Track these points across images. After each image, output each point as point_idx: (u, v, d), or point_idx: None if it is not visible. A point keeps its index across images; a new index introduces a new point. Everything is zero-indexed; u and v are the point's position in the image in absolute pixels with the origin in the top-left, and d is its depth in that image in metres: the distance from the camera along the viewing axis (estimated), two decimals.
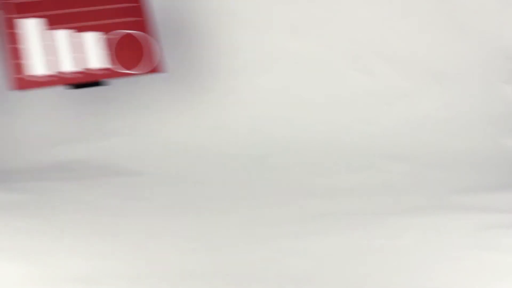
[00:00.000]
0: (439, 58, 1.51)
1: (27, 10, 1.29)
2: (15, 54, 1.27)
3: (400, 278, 0.88)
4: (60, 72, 1.26)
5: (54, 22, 1.29)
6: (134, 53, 1.28)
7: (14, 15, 1.28)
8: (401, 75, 1.43)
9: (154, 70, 1.27)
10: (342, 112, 1.40)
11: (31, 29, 1.29)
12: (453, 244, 1.01)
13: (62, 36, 1.29)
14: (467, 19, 1.51)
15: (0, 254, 0.95)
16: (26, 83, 1.26)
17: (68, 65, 1.27)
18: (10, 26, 1.28)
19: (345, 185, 1.32)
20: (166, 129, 1.45)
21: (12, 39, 1.27)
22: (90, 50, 1.28)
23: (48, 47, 1.27)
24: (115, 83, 1.31)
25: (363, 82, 1.56)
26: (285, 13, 1.58)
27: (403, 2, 1.54)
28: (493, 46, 1.50)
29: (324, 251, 0.97)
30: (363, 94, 1.56)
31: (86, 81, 1.27)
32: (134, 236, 1.03)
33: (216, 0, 1.49)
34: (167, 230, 1.07)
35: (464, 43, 1.51)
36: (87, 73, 1.26)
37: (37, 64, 1.27)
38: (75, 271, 0.89)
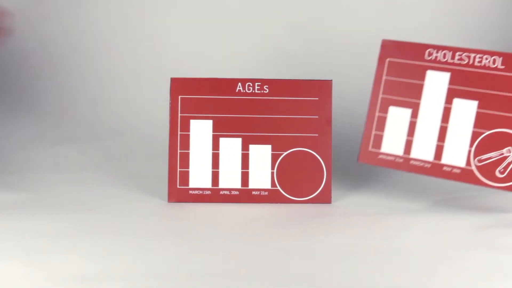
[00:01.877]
0: None
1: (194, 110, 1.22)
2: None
3: (400, 278, 0.88)
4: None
5: (221, 129, 1.21)
6: (300, 173, 1.21)
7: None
8: None
9: (316, 199, 1.21)
10: (342, 112, 1.40)
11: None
12: (453, 244, 1.01)
13: (230, 145, 1.21)
14: (468, 19, 1.51)
15: (0, 254, 0.95)
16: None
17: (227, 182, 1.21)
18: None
19: (346, 185, 1.32)
20: None
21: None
22: (256, 166, 1.21)
23: (214, 157, 1.21)
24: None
25: (364, 82, 1.56)
26: (285, 12, 1.58)
27: (403, 2, 1.55)
28: (494, 46, 1.50)
29: (324, 251, 0.97)
30: (363, 93, 1.56)
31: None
32: (134, 236, 1.03)
33: None
34: (167, 230, 1.07)
35: (464, 43, 1.51)
36: (244, 192, 1.21)
37: None
38: (75, 271, 0.89)
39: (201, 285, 0.85)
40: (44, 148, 1.52)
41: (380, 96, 1.20)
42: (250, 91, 1.22)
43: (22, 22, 1.62)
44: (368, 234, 1.05)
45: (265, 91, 1.22)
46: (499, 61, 1.12)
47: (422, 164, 1.16)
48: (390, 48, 1.20)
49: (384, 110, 1.20)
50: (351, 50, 1.54)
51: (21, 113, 1.61)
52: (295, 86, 1.22)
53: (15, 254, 0.95)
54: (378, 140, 1.20)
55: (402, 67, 1.19)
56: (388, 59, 1.20)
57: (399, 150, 1.18)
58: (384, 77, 1.20)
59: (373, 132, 1.20)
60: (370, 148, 1.20)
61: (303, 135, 1.21)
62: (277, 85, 1.22)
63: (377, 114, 1.20)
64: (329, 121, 1.21)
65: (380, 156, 1.19)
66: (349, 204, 1.22)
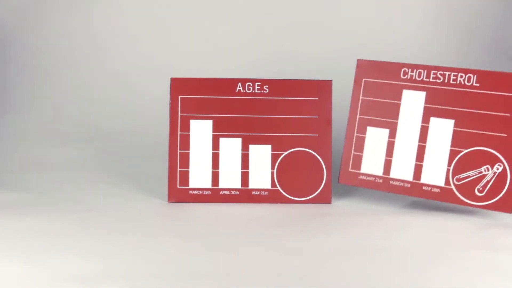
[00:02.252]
0: (439, 58, 1.52)
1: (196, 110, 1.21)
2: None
3: (400, 278, 0.88)
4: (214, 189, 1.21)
5: (221, 129, 1.21)
6: (300, 173, 1.21)
7: None
8: None
9: (316, 199, 1.21)
10: (342, 111, 1.40)
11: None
12: (453, 244, 1.01)
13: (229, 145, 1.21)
14: (468, 19, 1.51)
15: (0, 254, 0.95)
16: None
17: (226, 181, 1.21)
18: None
19: (346, 185, 1.32)
20: None
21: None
22: (256, 165, 1.21)
23: (214, 157, 1.21)
24: None
25: None
26: (287, 13, 1.58)
27: (403, 2, 1.55)
28: (493, 46, 1.50)
29: (324, 251, 0.97)
30: None
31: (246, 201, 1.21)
32: (134, 236, 1.04)
33: None
34: (167, 230, 1.07)
35: (464, 43, 1.51)
36: (244, 192, 1.21)
37: None
38: (75, 271, 0.89)
39: (201, 285, 0.85)
40: (44, 148, 1.52)
41: (358, 116, 1.20)
42: (250, 91, 1.22)
43: (22, 22, 1.62)
44: (368, 234, 1.05)
45: (265, 91, 1.22)
46: (473, 78, 1.13)
47: (401, 184, 1.17)
48: (365, 68, 1.20)
49: (362, 130, 1.20)
50: (351, 50, 1.53)
51: (21, 113, 1.61)
52: (295, 86, 1.22)
53: (15, 254, 0.95)
54: (358, 160, 1.21)
55: (378, 86, 1.20)
56: (364, 79, 1.20)
57: (378, 171, 1.19)
58: (360, 97, 1.21)
59: (352, 153, 1.21)
60: (350, 169, 1.21)
61: (303, 135, 1.21)
62: (277, 85, 1.22)
63: (355, 134, 1.21)
64: (329, 121, 1.21)
65: (360, 177, 1.20)
66: (349, 204, 1.22)
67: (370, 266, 0.92)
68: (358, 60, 1.21)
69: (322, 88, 1.21)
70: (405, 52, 1.52)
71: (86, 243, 1.00)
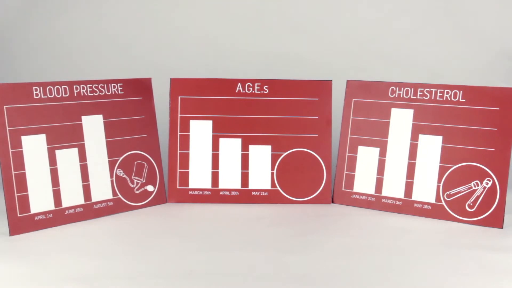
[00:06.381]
0: (439, 58, 1.52)
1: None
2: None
3: (400, 277, 0.88)
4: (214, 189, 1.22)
5: (220, 129, 1.22)
6: (300, 173, 1.22)
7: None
8: (400, 75, 1.44)
9: (316, 199, 1.21)
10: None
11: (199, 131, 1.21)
12: (453, 244, 1.01)
13: (228, 146, 1.21)
14: (468, 19, 1.51)
15: (0, 254, 0.95)
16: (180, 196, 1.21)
17: (227, 182, 1.21)
18: None
19: None
20: None
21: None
22: (256, 166, 1.22)
23: (213, 158, 1.21)
24: None
25: None
26: (287, 14, 1.58)
27: (403, 2, 1.55)
28: (493, 46, 1.50)
29: (324, 251, 0.97)
30: None
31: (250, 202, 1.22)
32: (134, 236, 1.04)
33: None
34: (167, 230, 1.07)
35: (464, 43, 1.51)
36: (244, 193, 1.21)
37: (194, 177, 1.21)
38: (75, 271, 0.89)
39: (201, 285, 0.85)
40: None
41: (349, 136, 1.21)
42: (250, 91, 1.22)
43: (23, 22, 1.62)
44: (368, 234, 1.05)
45: (265, 92, 1.22)
46: (460, 94, 1.14)
47: (393, 202, 1.18)
48: (354, 88, 1.21)
49: (354, 150, 1.21)
50: (351, 51, 1.54)
51: None
52: (295, 86, 1.22)
53: (15, 254, 0.95)
54: (350, 180, 1.21)
55: (367, 106, 1.20)
56: (353, 99, 1.21)
57: (370, 189, 1.19)
58: (351, 118, 1.21)
59: (345, 173, 1.21)
60: (343, 189, 1.22)
61: (303, 136, 1.21)
62: (277, 85, 1.22)
63: (347, 154, 1.21)
64: (329, 121, 1.21)
65: (353, 196, 1.21)
66: (349, 204, 1.22)
67: (370, 266, 0.92)
68: (347, 81, 1.22)
69: (322, 88, 1.21)
70: (405, 53, 1.52)
71: (87, 243, 1.00)
